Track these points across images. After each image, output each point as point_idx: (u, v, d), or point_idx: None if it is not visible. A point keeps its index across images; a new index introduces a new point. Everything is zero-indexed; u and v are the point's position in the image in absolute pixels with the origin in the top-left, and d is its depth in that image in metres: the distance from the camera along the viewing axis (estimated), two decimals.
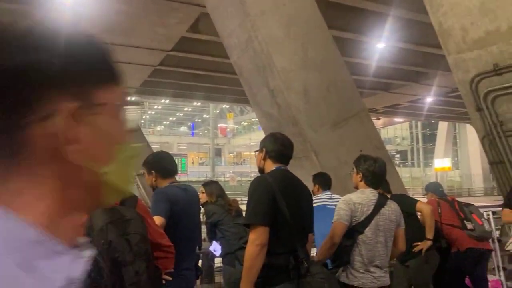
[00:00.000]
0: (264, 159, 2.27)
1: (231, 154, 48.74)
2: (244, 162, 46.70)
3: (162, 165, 2.67)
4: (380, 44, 10.27)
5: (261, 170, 2.29)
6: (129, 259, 1.46)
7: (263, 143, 2.32)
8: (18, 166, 0.41)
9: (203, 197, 3.60)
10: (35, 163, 0.41)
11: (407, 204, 3.42)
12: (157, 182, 2.66)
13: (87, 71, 0.45)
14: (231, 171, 41.22)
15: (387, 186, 3.46)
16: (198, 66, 12.31)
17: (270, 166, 2.24)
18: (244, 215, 2.16)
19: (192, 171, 37.03)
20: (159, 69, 12.00)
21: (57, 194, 0.42)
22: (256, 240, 1.97)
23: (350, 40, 10.02)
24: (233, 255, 3.29)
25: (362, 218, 2.51)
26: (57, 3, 8.08)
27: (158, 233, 1.80)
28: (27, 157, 0.40)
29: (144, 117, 43.25)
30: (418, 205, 3.47)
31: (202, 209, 3.56)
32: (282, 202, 2.04)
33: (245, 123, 48.40)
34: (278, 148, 2.25)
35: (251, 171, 42.45)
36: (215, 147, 43.22)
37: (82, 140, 0.42)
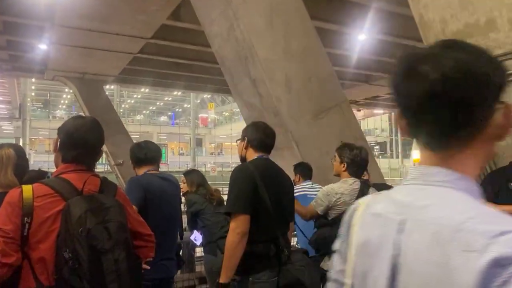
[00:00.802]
0: (246, 148, 2.27)
1: (212, 145, 48.53)
2: (221, 152, 46.63)
3: (134, 154, 2.70)
4: (362, 36, 10.34)
5: (243, 159, 2.29)
6: (108, 247, 1.44)
7: (245, 132, 2.31)
8: (471, 142, 0.65)
9: (184, 187, 3.57)
10: (483, 141, 0.65)
11: None
12: (135, 170, 2.68)
13: (503, 81, 0.67)
14: (212, 162, 41.09)
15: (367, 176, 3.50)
16: (179, 54, 12.13)
17: (252, 155, 2.24)
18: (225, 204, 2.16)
19: (172, 161, 36.71)
20: (139, 57, 11.77)
21: (480, 163, 0.68)
22: (237, 229, 1.98)
23: (332, 31, 10.04)
24: (214, 244, 3.29)
25: (345, 208, 2.53)
26: None
27: (138, 221, 1.75)
28: (481, 137, 0.65)
29: (123, 106, 42.50)
30: None
31: (183, 199, 3.53)
32: (263, 191, 2.05)
33: (226, 113, 48.19)
34: (260, 137, 2.25)
35: (232, 161, 42.44)
36: (196, 137, 42.92)
37: (498, 126, 0.65)
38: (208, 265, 3.41)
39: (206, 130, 45.90)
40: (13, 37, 10.73)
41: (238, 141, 2.34)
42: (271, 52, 4.24)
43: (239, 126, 39.35)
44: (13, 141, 26.83)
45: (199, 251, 4.54)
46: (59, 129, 1.66)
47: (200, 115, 45.39)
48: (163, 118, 50.47)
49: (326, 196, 2.57)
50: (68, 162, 1.60)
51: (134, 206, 2.11)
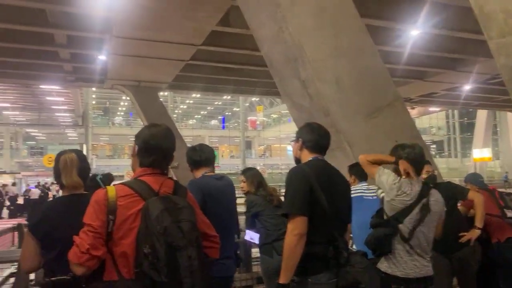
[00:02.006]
0: (301, 149, 2.27)
1: (261, 147, 48.83)
2: (264, 154, 46.66)
3: (191, 157, 2.81)
4: (414, 31, 9.95)
5: (298, 160, 2.29)
6: (182, 245, 1.53)
7: (300, 133, 2.31)
8: None
9: (244, 186, 3.64)
10: None
11: (459, 192, 3.32)
12: (193, 173, 2.79)
13: None
14: (261, 163, 41.34)
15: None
16: (228, 59, 12.37)
17: (307, 156, 2.23)
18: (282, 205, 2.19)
19: (223, 163, 37.40)
20: (190, 63, 12.14)
21: None
22: (294, 230, 1.98)
23: (383, 28, 9.76)
24: (270, 245, 3.32)
25: (403, 207, 2.46)
26: (91, 1, 8.31)
27: (204, 223, 1.82)
28: None
29: (176, 111, 43.95)
30: (470, 194, 3.35)
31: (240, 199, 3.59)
32: (319, 192, 2.04)
33: (275, 116, 48.26)
34: (314, 138, 2.25)
35: (281, 163, 42.37)
36: (246, 139, 43.41)
37: None
38: (264, 265, 3.45)
39: (255, 132, 46.28)
40: (76, 50, 11.51)
41: (293, 143, 2.35)
42: (320, 52, 4.20)
43: (288, 128, 39.24)
44: (78, 147, 28.70)
45: (255, 252, 4.60)
46: (136, 136, 1.80)
47: (249, 118, 45.87)
48: (214, 122, 51.58)
49: (396, 182, 2.48)
50: (145, 167, 1.74)
51: None
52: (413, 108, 24.23)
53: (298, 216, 2.00)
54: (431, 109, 29.18)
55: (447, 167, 35.87)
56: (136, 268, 1.54)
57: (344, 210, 2.21)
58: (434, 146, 43.30)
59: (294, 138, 2.36)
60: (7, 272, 4.06)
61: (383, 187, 2.55)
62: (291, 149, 2.55)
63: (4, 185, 20.60)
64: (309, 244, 2.00)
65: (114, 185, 1.69)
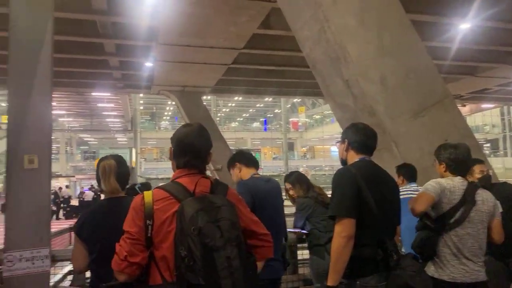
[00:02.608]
0: (347, 150, 2.24)
1: (303, 148, 48.47)
2: (305, 155, 46.11)
3: (244, 156, 2.85)
4: (464, 25, 9.47)
5: (344, 161, 2.26)
6: (220, 245, 1.48)
7: (345, 134, 2.28)
8: None
9: (293, 192, 3.62)
10: None
11: None
12: (241, 173, 2.81)
13: None
14: (304, 165, 41.02)
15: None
16: (270, 61, 12.42)
17: (353, 157, 2.20)
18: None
19: (266, 165, 37.52)
20: (232, 67, 12.31)
21: None
22: (342, 232, 1.96)
23: (429, 23, 9.39)
24: (322, 247, 3.30)
25: (448, 208, 2.36)
26: (137, 11, 8.66)
27: (251, 220, 1.75)
28: None
29: (219, 114, 44.68)
30: None
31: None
32: (367, 194, 2.00)
33: (317, 116, 47.74)
34: (361, 138, 2.21)
35: (325, 164, 41.82)
36: (288, 141, 43.29)
37: None
38: (315, 267, 3.43)
39: (297, 134, 46.03)
40: (124, 58, 12.03)
41: (338, 144, 2.32)
42: (363, 51, 4.12)
43: (331, 128, 38.69)
44: (127, 151, 29.90)
45: (300, 254, 4.58)
46: (171, 138, 1.78)
47: (291, 119, 45.71)
48: (256, 124, 51.90)
49: (437, 183, 2.41)
50: (181, 167, 1.72)
51: None
52: (464, 106, 23.07)
53: (345, 218, 1.97)
54: (484, 106, 27.64)
55: (503, 167, 33.79)
56: (175, 271, 1.52)
57: (393, 212, 2.16)
58: (488, 145, 40.97)
59: (339, 139, 2.33)
60: (65, 270, 4.31)
61: (439, 191, 2.44)
62: (335, 150, 2.53)
63: (60, 188, 21.89)
64: (357, 246, 1.97)
65: (153, 189, 1.69)
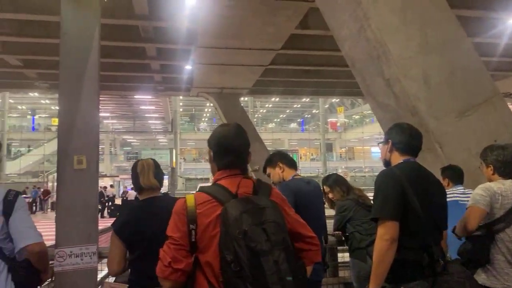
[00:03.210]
0: (390, 151, 2.18)
1: (342, 149, 47.69)
2: (341, 156, 45.30)
3: (285, 156, 2.85)
4: None
5: (387, 163, 2.19)
6: (267, 248, 1.40)
7: (389, 134, 2.21)
8: None
9: (332, 196, 3.58)
10: None
11: None
12: (284, 173, 2.82)
13: None
14: (343, 166, 40.34)
15: None
16: (307, 61, 12.35)
17: (397, 159, 2.14)
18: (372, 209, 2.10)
19: (303, 166, 37.26)
20: (270, 68, 12.34)
21: None
22: (385, 235, 1.90)
23: (476, 18, 8.98)
24: (363, 250, 3.24)
25: (502, 212, 2.24)
26: (177, 15, 8.88)
27: (297, 222, 1.65)
28: None
29: (256, 116, 44.91)
30: None
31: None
32: (412, 196, 1.93)
33: (357, 116, 46.81)
34: (406, 139, 2.14)
35: (365, 166, 40.94)
36: (326, 142, 42.74)
37: None
38: (356, 270, 3.37)
39: (336, 134, 45.36)
40: (165, 61, 12.39)
41: (380, 145, 2.26)
42: (405, 49, 4.00)
43: (371, 129, 37.79)
44: (167, 152, 30.71)
45: (341, 256, 4.51)
46: (208, 141, 1.72)
47: (329, 119, 45.11)
48: (293, 125, 51.68)
49: (486, 191, 2.30)
50: (222, 169, 1.66)
51: None
52: None
53: (388, 221, 1.91)
54: None
55: None
56: (221, 277, 1.44)
57: (439, 215, 2.07)
58: None
59: (382, 140, 2.27)
60: None
61: (489, 199, 2.32)
62: (376, 151, 2.47)
63: (105, 187, 22.84)
64: (401, 250, 1.91)
65: (195, 193, 1.62)
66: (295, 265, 1.47)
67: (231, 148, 1.66)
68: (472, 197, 2.36)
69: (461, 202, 3.07)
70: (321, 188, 3.51)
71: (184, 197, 1.59)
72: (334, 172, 33.55)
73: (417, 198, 1.94)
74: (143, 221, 2.21)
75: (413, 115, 3.87)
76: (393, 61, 3.93)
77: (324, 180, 3.69)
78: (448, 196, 3.00)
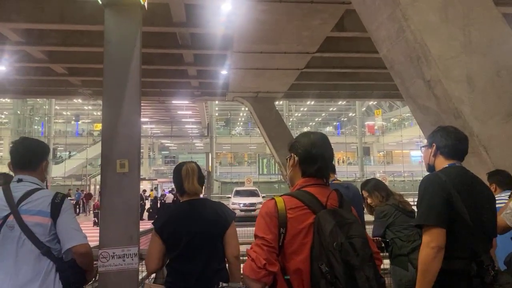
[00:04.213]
0: (435, 155, 2.10)
1: (380, 153, 46.56)
2: (382, 161, 44.09)
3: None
4: None
5: (431, 167, 2.11)
6: (358, 263, 1.40)
7: (433, 138, 2.13)
8: None
9: (371, 201, 3.50)
10: None
11: None
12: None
13: None
14: (381, 171, 39.35)
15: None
16: (343, 64, 12.20)
17: (442, 163, 2.06)
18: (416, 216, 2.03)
19: (340, 171, 36.66)
20: (305, 71, 12.29)
21: None
22: (431, 243, 1.83)
23: None
24: (405, 257, 3.15)
25: None
26: (213, 22, 9.03)
27: (369, 238, 1.64)
28: None
29: (291, 119, 44.78)
30: None
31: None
32: (459, 202, 1.86)
33: (395, 120, 45.59)
34: (452, 143, 2.06)
35: (404, 170, 39.76)
36: (363, 145, 41.88)
37: None
38: (397, 278, 3.27)
39: (373, 138, 44.36)
40: (201, 67, 12.63)
41: (423, 149, 2.18)
42: (447, 49, 3.87)
43: (410, 132, 36.66)
44: (204, 156, 31.22)
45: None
46: (292, 146, 1.73)
47: (366, 122, 44.20)
48: (328, 129, 51.07)
49: None
50: (309, 176, 1.66)
51: None
52: None
53: (435, 228, 1.84)
54: None
55: None
56: (312, 287, 1.43)
57: (488, 222, 1.96)
58: None
59: (425, 144, 2.19)
60: None
61: None
62: (415, 155, 2.39)
63: (144, 191, 23.48)
64: (448, 259, 1.83)
65: (282, 196, 1.61)
66: (380, 282, 1.47)
67: (321, 156, 1.66)
68: (508, 208, 2.24)
69: None
70: (360, 193, 3.44)
71: (273, 199, 1.59)
72: (372, 176, 32.82)
73: (464, 204, 1.86)
74: (183, 222, 2.27)
75: (456, 118, 3.73)
76: (434, 62, 3.81)
77: (363, 185, 3.61)
78: (497, 202, 2.87)
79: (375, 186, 3.51)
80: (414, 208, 2.59)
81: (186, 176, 2.36)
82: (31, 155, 2.18)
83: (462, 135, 2.09)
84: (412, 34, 3.92)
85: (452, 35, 3.89)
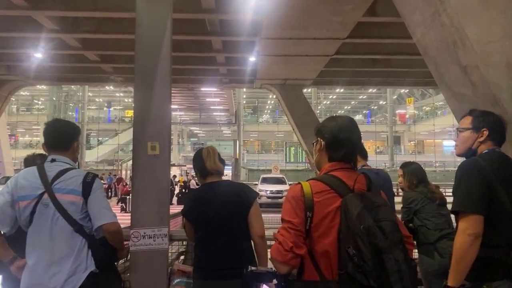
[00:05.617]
0: (484, 141, 2.02)
1: (411, 142, 45.42)
2: (414, 151, 42.93)
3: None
4: None
5: (473, 152, 2.03)
6: (386, 246, 1.40)
7: (483, 122, 2.04)
8: None
9: (402, 182, 3.48)
10: None
11: None
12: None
13: None
14: (412, 161, 38.41)
15: None
16: (375, 50, 11.89)
17: (485, 149, 1.99)
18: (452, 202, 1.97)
19: (369, 160, 36.02)
20: (335, 58, 12.07)
21: None
22: (468, 229, 1.78)
23: None
24: (432, 246, 3.11)
25: None
26: (242, 8, 8.97)
27: (400, 222, 1.62)
28: None
29: (319, 107, 44.28)
30: None
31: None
32: (499, 189, 1.80)
33: (427, 108, 44.23)
34: (503, 129, 2.02)
35: (436, 160, 38.67)
36: (394, 134, 40.96)
37: None
38: (424, 266, 3.23)
39: (404, 127, 43.28)
40: (230, 53, 12.62)
41: (464, 132, 2.06)
42: (486, 33, 3.70)
43: (442, 121, 35.47)
44: (231, 143, 31.46)
45: None
46: (319, 130, 1.73)
47: (397, 111, 43.12)
48: (358, 117, 50.20)
49: None
50: (336, 161, 1.66)
51: None
52: None
53: (472, 215, 1.79)
54: None
55: None
56: (340, 269, 1.45)
57: None
58: None
59: (467, 127, 2.06)
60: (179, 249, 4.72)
61: None
62: (448, 144, 2.30)
63: (174, 176, 23.95)
64: (485, 247, 1.78)
65: (308, 180, 1.63)
66: (411, 265, 1.46)
67: (347, 140, 1.66)
68: None
69: None
70: (390, 180, 3.40)
71: (300, 183, 1.62)
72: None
73: (505, 191, 1.80)
74: (206, 204, 2.33)
75: (493, 105, 3.58)
76: (471, 47, 3.66)
77: (404, 165, 3.57)
78: None
79: (413, 170, 3.47)
80: (449, 199, 2.53)
81: (208, 156, 2.42)
82: (62, 136, 2.26)
83: (503, 120, 2.02)
84: (449, 18, 3.77)
85: (492, 19, 3.72)
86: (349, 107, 51.46)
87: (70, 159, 2.25)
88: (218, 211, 2.29)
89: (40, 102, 42.72)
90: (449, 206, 3.69)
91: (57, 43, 11.73)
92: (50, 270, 2.03)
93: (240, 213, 2.31)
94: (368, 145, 43.13)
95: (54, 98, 37.00)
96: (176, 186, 22.73)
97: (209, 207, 2.30)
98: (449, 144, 38.98)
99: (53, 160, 2.19)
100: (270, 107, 47.68)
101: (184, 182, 23.62)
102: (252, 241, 2.33)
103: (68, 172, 2.15)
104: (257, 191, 2.64)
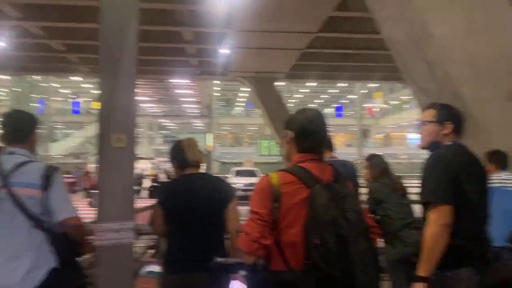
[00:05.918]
0: (447, 134, 2.03)
1: (379, 135, 46.57)
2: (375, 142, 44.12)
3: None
4: None
5: (436, 145, 2.04)
6: (351, 236, 1.43)
7: (447, 116, 2.06)
8: None
9: (367, 174, 3.57)
10: None
11: None
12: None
13: None
14: (379, 153, 39.44)
15: None
16: (346, 45, 12.03)
17: (448, 141, 2.02)
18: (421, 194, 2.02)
19: (339, 152, 36.60)
20: (307, 52, 12.14)
21: None
22: (439, 220, 1.81)
23: None
24: (394, 235, 3.21)
25: None
26: None
27: (365, 212, 1.66)
28: None
29: (291, 101, 44.56)
30: None
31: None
32: (465, 181, 1.85)
33: (395, 102, 45.38)
34: (463, 121, 2.06)
35: (402, 152, 39.82)
36: (362, 128, 41.83)
37: None
38: (386, 254, 3.33)
39: (372, 120, 44.27)
40: (201, 45, 12.45)
41: (427, 125, 2.08)
42: (450, 30, 3.82)
43: (410, 115, 36.49)
44: (203, 136, 31.22)
45: None
46: (288, 123, 1.75)
47: (365, 105, 44.01)
48: (329, 110, 50.89)
49: None
50: (304, 152, 1.67)
51: None
52: None
53: (442, 205, 1.83)
54: None
55: None
56: (306, 259, 1.47)
57: (488, 202, 1.98)
58: None
59: (429, 120, 2.09)
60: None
61: None
62: (413, 137, 2.37)
63: (143, 170, 23.51)
64: (452, 236, 1.82)
65: (276, 171, 1.66)
66: (375, 254, 1.51)
67: (314, 132, 1.68)
68: None
69: (507, 188, 2.96)
70: (356, 171, 3.49)
71: (267, 175, 1.64)
72: None
73: (470, 184, 1.86)
74: (184, 196, 2.30)
75: (455, 99, 3.71)
76: (436, 44, 3.76)
77: (369, 157, 3.70)
78: (494, 181, 2.88)
79: (377, 162, 3.58)
80: (413, 190, 2.60)
81: (189, 147, 2.39)
82: (20, 127, 2.16)
83: (463, 115, 2.10)
84: (415, 14, 3.86)
85: (456, 15, 3.84)
86: (321, 101, 52.08)
87: (29, 151, 2.15)
88: (198, 203, 2.27)
89: (3, 93, 40.88)
90: (413, 197, 3.84)
91: (20, 31, 11.22)
92: (8, 266, 1.95)
93: (219, 207, 2.31)
94: (338, 138, 43.87)
95: (16, 89, 35.48)
96: (145, 179, 22.34)
97: (188, 198, 2.28)
98: (414, 137, 40.25)
99: (11, 153, 2.09)
100: (243, 99, 47.61)
101: (155, 175, 23.26)
102: (228, 234, 2.34)
103: (26, 165, 2.06)
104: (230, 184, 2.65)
